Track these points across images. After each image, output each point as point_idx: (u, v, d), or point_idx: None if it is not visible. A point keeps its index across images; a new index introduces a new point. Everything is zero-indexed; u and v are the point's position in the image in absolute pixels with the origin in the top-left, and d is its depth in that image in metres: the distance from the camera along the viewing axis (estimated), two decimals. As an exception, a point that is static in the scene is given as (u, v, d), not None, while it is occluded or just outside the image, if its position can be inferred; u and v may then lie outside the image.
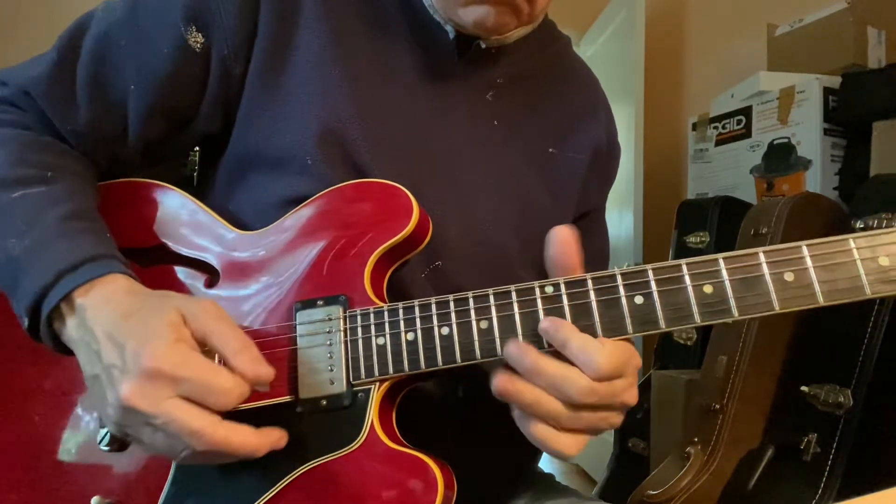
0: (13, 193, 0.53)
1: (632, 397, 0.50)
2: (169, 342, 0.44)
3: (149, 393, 0.43)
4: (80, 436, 0.55)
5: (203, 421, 0.44)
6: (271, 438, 0.47)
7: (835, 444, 1.10)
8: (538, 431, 0.49)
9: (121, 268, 0.51)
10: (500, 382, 0.48)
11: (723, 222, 1.71)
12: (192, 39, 0.59)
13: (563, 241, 0.51)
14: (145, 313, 0.47)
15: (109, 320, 0.47)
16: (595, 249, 0.80)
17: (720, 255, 0.47)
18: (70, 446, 0.55)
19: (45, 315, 0.49)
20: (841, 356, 1.13)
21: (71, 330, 0.49)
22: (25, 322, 0.50)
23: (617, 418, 0.51)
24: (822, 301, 0.45)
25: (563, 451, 0.49)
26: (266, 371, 0.47)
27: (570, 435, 0.49)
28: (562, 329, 0.48)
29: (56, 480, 0.55)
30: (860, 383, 1.09)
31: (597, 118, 0.78)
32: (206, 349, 0.47)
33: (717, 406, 1.25)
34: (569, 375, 0.46)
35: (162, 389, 0.44)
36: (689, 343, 1.68)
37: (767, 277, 0.46)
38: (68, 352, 0.50)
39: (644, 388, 1.81)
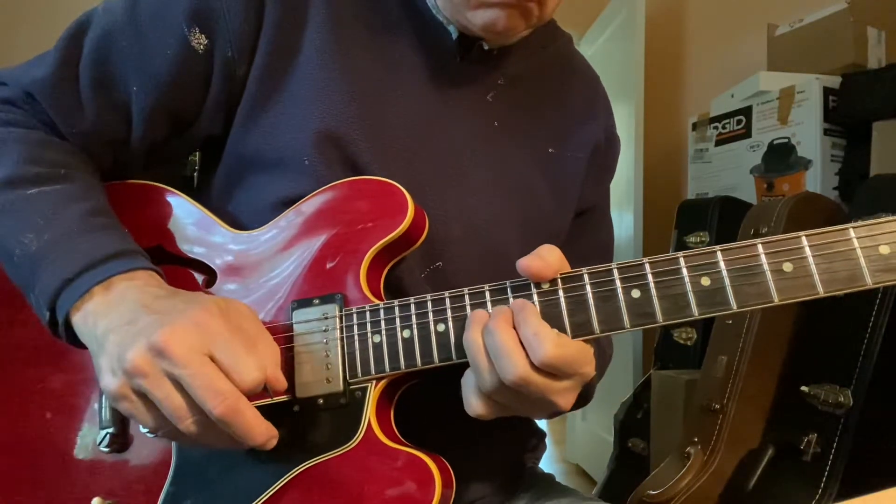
0: (29, 190, 0.53)
1: (566, 403, 0.49)
2: (216, 313, 0.46)
3: (187, 340, 0.43)
4: (81, 437, 0.56)
5: (228, 384, 0.44)
6: (273, 432, 0.47)
7: (835, 444, 1.09)
8: (465, 380, 0.50)
9: (150, 264, 0.52)
10: (476, 316, 0.49)
11: (723, 222, 1.71)
12: (195, 40, 0.58)
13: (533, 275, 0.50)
14: (187, 297, 0.48)
15: (152, 294, 0.48)
16: (596, 245, 0.80)
17: (718, 247, 0.46)
18: (71, 447, 0.55)
19: (69, 306, 0.49)
20: (841, 356, 1.13)
21: (97, 304, 0.48)
22: (46, 316, 0.50)
23: (538, 414, 0.51)
24: (821, 291, 0.44)
25: (473, 411, 0.50)
26: (282, 379, 0.48)
27: (484, 401, 0.49)
28: (524, 309, 0.47)
29: (57, 481, 0.55)
30: (860, 383, 1.09)
31: (595, 116, 0.78)
32: None
33: (717, 406, 1.25)
34: (510, 354, 0.45)
35: (200, 341, 0.44)
36: (689, 343, 1.68)
37: (766, 268, 0.45)
38: (80, 344, 0.50)
39: (644, 388, 1.81)
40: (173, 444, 0.53)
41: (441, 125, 0.65)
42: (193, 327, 0.44)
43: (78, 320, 0.49)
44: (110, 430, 0.54)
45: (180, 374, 0.43)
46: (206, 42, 0.59)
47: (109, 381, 0.45)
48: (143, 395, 0.45)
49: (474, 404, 0.49)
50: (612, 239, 0.83)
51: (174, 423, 0.45)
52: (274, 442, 0.48)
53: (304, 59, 0.61)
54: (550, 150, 0.72)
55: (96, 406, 0.56)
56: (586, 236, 0.79)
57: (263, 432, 0.46)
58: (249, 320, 0.48)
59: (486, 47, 0.66)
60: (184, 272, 0.59)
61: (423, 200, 0.56)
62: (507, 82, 0.70)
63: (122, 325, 0.46)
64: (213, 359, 0.44)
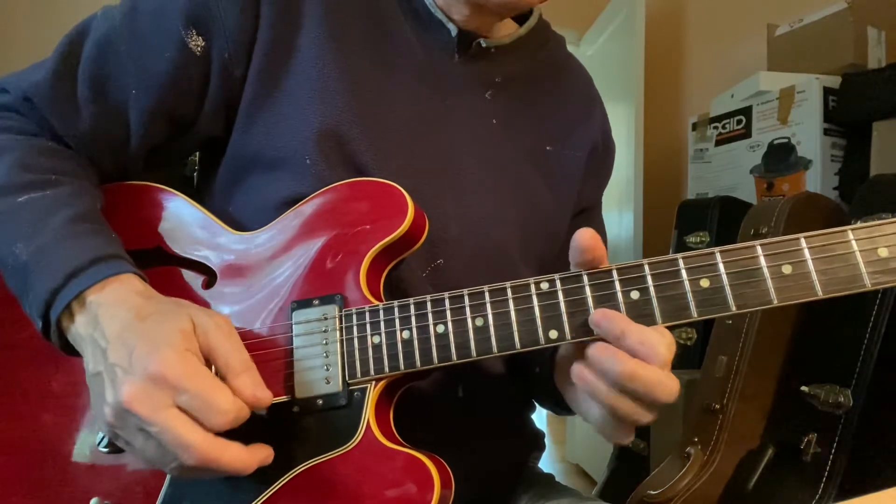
0: (18, 198, 0.53)
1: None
2: (179, 351, 0.45)
3: (149, 398, 0.43)
4: (80, 437, 0.55)
5: (196, 436, 0.43)
6: (260, 456, 0.47)
7: (835, 444, 1.09)
8: (603, 424, 0.49)
9: (131, 268, 0.51)
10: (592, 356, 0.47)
11: (723, 222, 1.71)
12: (193, 43, 0.59)
13: (588, 247, 0.48)
14: (159, 318, 0.47)
15: (123, 321, 0.47)
16: None
17: (717, 249, 0.46)
18: (70, 448, 0.55)
19: (56, 317, 0.49)
20: (841, 356, 1.13)
21: (80, 327, 0.49)
22: (39, 324, 0.50)
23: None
24: (820, 293, 0.44)
25: (628, 438, 0.49)
26: (265, 395, 0.47)
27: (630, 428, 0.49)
28: (616, 320, 0.46)
29: (55, 482, 0.54)
30: (860, 383, 1.09)
31: (592, 116, 0.78)
32: (209, 364, 0.47)
33: (717, 406, 1.25)
34: (656, 376, 0.44)
35: (162, 397, 0.43)
36: (689, 343, 1.68)
37: (765, 270, 0.45)
38: (75, 352, 0.50)
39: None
40: None
41: (440, 123, 0.66)
42: (153, 383, 0.43)
43: (67, 334, 0.50)
44: None
45: (149, 431, 0.43)
46: (203, 44, 0.59)
47: (100, 426, 0.49)
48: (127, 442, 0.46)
49: (626, 435, 0.49)
50: (606, 239, 0.84)
51: (159, 468, 0.46)
52: (270, 459, 0.48)
53: (301, 59, 0.61)
54: (548, 148, 0.72)
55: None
56: None
57: (248, 464, 0.46)
58: (224, 337, 0.48)
59: (483, 45, 0.66)
60: (183, 273, 0.59)
61: (421, 198, 0.56)
62: (504, 81, 0.70)
63: (96, 362, 0.47)
64: (180, 408, 0.44)
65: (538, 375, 0.65)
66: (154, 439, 0.44)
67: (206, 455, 0.43)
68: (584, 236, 0.48)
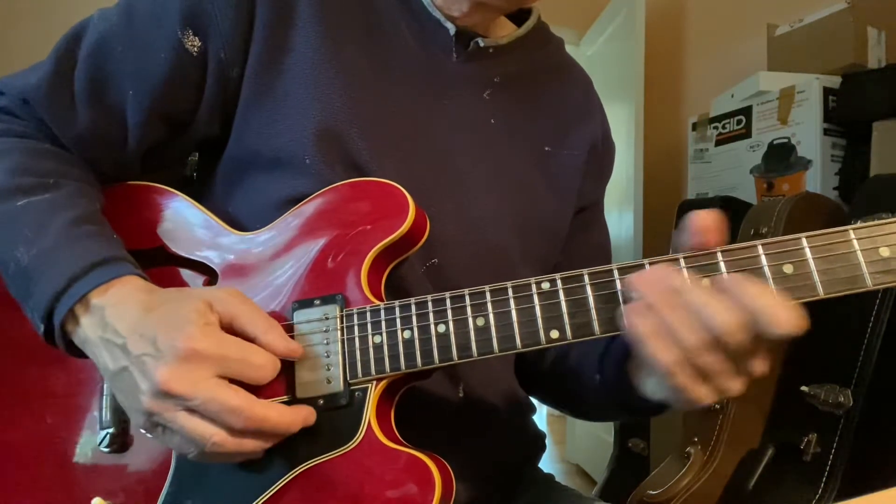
0: (17, 202, 0.53)
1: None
2: (200, 326, 0.46)
3: (187, 375, 0.44)
4: (81, 437, 0.56)
5: (242, 397, 0.45)
6: (303, 414, 0.49)
7: (835, 444, 1.10)
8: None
9: (133, 269, 0.52)
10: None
11: (723, 222, 1.71)
12: (189, 43, 0.59)
13: (701, 229, 0.45)
14: (170, 306, 0.48)
15: (132, 316, 0.48)
16: (595, 244, 0.81)
17: (718, 248, 0.46)
18: (71, 448, 0.55)
19: (59, 321, 0.49)
20: (841, 356, 1.13)
21: (87, 330, 0.49)
22: (41, 329, 0.51)
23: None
24: (822, 293, 0.44)
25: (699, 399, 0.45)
26: (296, 345, 0.50)
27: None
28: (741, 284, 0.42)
29: (57, 482, 0.55)
30: (860, 383, 1.09)
31: (591, 116, 0.78)
32: (233, 332, 0.49)
33: (717, 406, 1.25)
34: (711, 304, 0.42)
35: (200, 370, 0.45)
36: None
37: (766, 270, 0.45)
38: (81, 354, 0.51)
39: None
40: None
41: (438, 122, 0.65)
42: (186, 360, 0.45)
43: (72, 337, 0.51)
44: (111, 430, 0.55)
45: (192, 406, 0.45)
46: (199, 44, 0.59)
47: (135, 419, 0.48)
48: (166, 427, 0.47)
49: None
50: (608, 239, 0.84)
51: (201, 446, 0.46)
52: (312, 419, 0.50)
53: (297, 58, 0.61)
54: (547, 149, 0.72)
55: (97, 406, 0.56)
56: (589, 233, 0.80)
57: (294, 420, 0.48)
58: (241, 303, 0.50)
59: (481, 44, 0.66)
60: (185, 273, 0.59)
61: (418, 198, 0.56)
62: (503, 80, 0.70)
63: (117, 359, 0.47)
64: (220, 375, 0.46)
65: (602, 382, 0.61)
66: (198, 413, 0.45)
67: (254, 413, 0.45)
68: (701, 217, 0.45)
